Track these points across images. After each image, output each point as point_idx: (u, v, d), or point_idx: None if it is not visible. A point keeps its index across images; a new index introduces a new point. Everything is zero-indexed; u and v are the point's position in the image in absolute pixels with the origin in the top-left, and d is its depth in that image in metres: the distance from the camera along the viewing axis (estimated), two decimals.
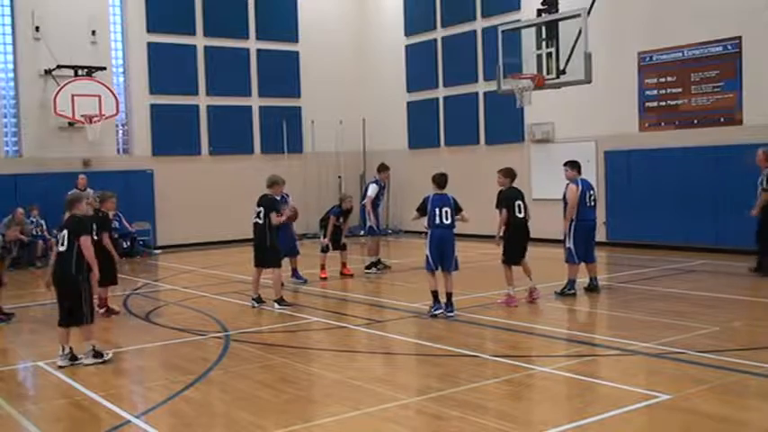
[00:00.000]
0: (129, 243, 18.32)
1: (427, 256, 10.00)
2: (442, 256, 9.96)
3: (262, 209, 11.16)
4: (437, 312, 9.96)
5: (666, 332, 8.61)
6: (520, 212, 10.81)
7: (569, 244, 11.21)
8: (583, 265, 11.38)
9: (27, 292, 13.71)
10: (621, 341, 8.26)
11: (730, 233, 15.17)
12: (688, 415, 5.94)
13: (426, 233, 10.12)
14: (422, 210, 9.99)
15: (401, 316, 10.35)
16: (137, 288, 13.38)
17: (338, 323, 10.00)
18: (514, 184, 11.02)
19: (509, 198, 10.82)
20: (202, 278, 14.41)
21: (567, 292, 11.18)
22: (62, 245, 8.04)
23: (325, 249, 13.78)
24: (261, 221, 11.14)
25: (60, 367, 7.97)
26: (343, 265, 14.03)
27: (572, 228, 11.17)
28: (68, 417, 6.42)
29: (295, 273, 13.40)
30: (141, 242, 18.88)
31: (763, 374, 6.89)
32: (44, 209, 17.30)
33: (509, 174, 11.01)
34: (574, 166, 11.41)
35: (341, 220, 13.88)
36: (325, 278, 13.54)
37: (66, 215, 8.31)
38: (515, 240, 10.83)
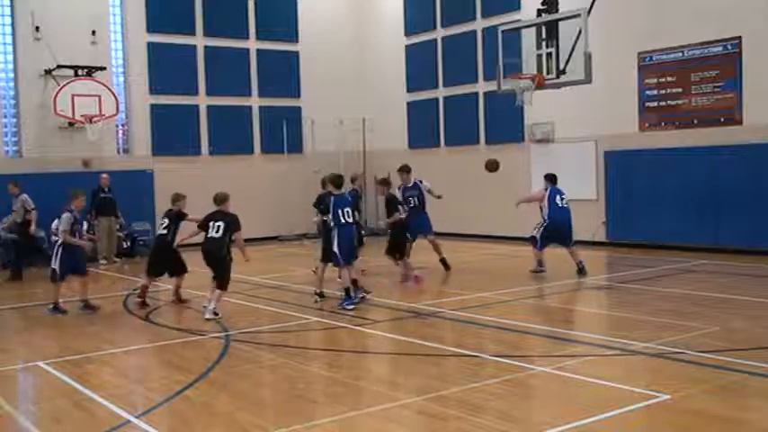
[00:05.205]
0: (129, 243, 18.34)
1: (336, 253, 10.61)
2: (351, 250, 10.72)
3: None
4: (356, 302, 10.59)
5: (666, 332, 8.61)
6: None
7: (536, 233, 13.15)
8: (566, 252, 13.15)
9: (27, 292, 13.71)
10: (621, 341, 8.26)
11: (730, 233, 15.18)
12: (688, 415, 5.93)
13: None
14: (324, 210, 10.92)
15: (401, 316, 10.35)
16: (136, 288, 13.36)
17: (338, 323, 9.99)
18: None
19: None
20: (202, 278, 14.36)
21: (538, 269, 13.12)
22: (216, 232, 10.40)
23: None
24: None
25: (207, 319, 10.02)
26: None
27: (544, 223, 13.07)
28: (68, 417, 6.41)
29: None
30: (141, 242, 18.87)
31: (763, 374, 6.89)
32: (44, 208, 17.28)
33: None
34: (548, 178, 13.42)
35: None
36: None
37: (217, 209, 10.58)
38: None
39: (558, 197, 13.12)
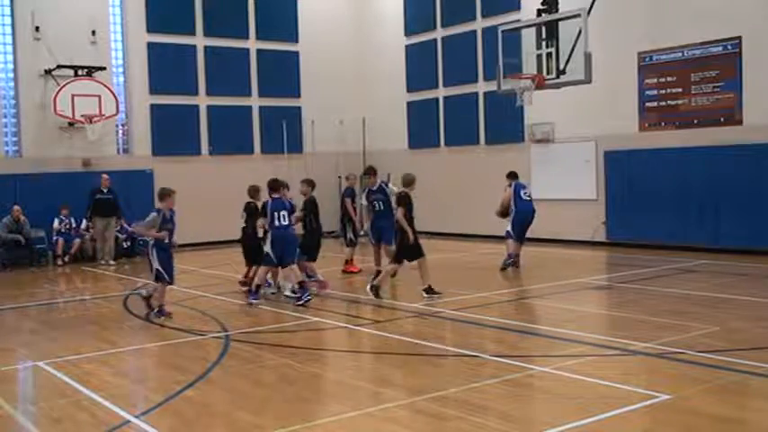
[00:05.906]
0: (129, 243, 18.33)
1: (268, 253, 11.11)
2: (283, 252, 11.11)
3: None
4: (307, 298, 10.94)
5: (666, 332, 8.61)
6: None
7: (509, 228, 13.85)
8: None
9: (26, 292, 13.71)
10: (621, 341, 8.26)
11: (730, 233, 15.17)
12: (688, 415, 5.94)
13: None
14: (264, 213, 11.25)
15: (401, 316, 10.35)
16: (136, 288, 13.37)
17: (338, 323, 9.99)
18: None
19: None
20: (202, 278, 14.39)
21: (507, 264, 13.57)
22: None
23: (351, 243, 14.16)
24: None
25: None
26: (347, 262, 14.02)
27: (512, 217, 13.79)
28: (68, 417, 6.41)
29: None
30: (141, 242, 18.84)
31: (763, 374, 6.89)
32: (43, 208, 17.32)
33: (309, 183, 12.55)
34: (510, 176, 14.23)
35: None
36: (356, 272, 13.77)
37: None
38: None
39: (521, 191, 13.99)
